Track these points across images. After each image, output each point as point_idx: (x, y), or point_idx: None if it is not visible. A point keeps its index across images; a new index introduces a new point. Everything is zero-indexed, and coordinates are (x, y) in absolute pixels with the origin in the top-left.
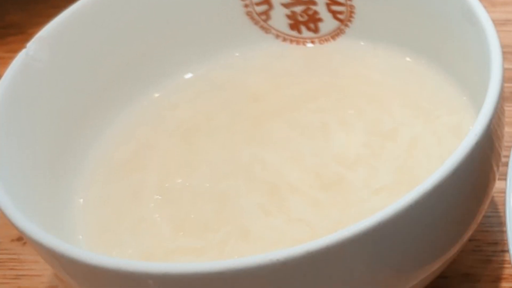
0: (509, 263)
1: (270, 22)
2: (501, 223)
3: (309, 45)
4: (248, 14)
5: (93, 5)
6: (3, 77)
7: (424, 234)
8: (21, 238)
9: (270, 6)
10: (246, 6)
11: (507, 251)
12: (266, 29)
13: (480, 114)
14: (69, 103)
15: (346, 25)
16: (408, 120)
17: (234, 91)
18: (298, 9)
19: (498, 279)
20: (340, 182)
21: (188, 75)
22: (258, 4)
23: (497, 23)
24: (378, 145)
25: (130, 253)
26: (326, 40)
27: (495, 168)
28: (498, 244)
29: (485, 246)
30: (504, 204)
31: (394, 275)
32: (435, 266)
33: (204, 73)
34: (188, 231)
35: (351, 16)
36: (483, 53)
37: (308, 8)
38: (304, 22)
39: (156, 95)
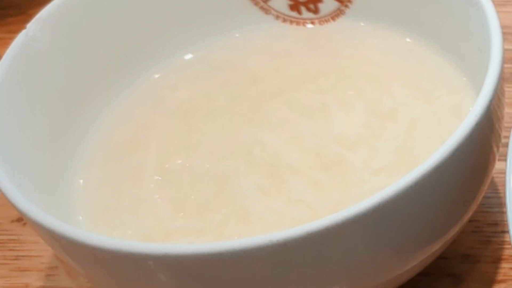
0: (509, 244)
1: (270, 3)
2: (501, 204)
3: (309, 26)
4: None
5: None
6: (3, 58)
7: (424, 214)
8: (21, 219)
9: None
10: None
11: (507, 232)
12: (266, 10)
13: (480, 95)
14: (69, 84)
15: (346, 6)
16: (408, 101)
17: (234, 72)
18: None
19: (498, 260)
20: (340, 163)
21: (188, 56)
22: None
23: (497, 3)
24: (378, 125)
25: (130, 234)
26: (326, 21)
27: (495, 149)
28: (498, 225)
29: (485, 227)
30: (504, 185)
31: (394, 255)
32: (435, 247)
33: (204, 54)
34: (188, 212)
35: None
36: (483, 34)
37: None
38: (304, 3)
39: (156, 76)
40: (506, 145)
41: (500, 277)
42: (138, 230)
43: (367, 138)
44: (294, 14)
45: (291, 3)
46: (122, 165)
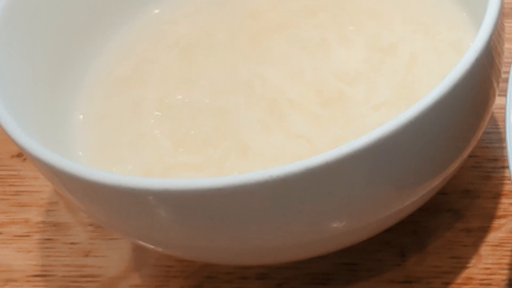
0: (509, 179)
1: None
2: (501, 140)
3: None
4: None
5: None
6: None
7: (424, 150)
8: (21, 154)
9: None
10: None
11: (507, 167)
12: None
13: (480, 30)
14: (69, 19)
15: None
16: (408, 36)
17: (234, 7)
18: None
19: (498, 195)
20: (340, 98)
21: None
22: None
23: None
24: (378, 60)
25: (130, 169)
26: None
27: (495, 84)
28: (498, 160)
29: (485, 163)
30: (504, 121)
31: (394, 191)
32: (435, 182)
33: None
34: (188, 147)
35: None
36: None
37: None
38: None
39: (156, 11)
40: (506, 80)
41: (500, 212)
42: (138, 166)
43: (367, 73)
44: None
45: None
46: (122, 100)
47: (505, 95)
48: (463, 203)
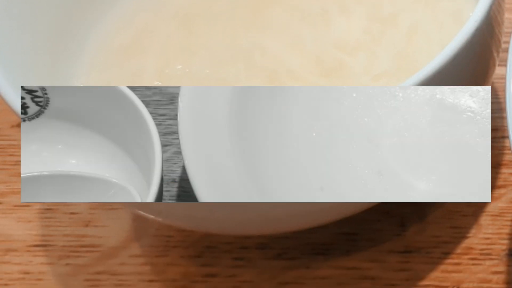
0: (509, 149)
1: None
2: (501, 110)
3: None
4: None
5: None
6: None
7: None
8: None
9: None
10: None
11: (507, 137)
12: None
13: (480, 0)
14: None
15: None
16: (408, 6)
17: None
18: None
19: (498, 165)
20: (340, 68)
21: None
22: None
23: None
24: (378, 30)
25: None
26: None
27: (495, 54)
28: (498, 130)
29: None
30: (504, 91)
31: None
32: None
33: None
34: None
35: None
36: None
37: None
38: None
39: None
40: (506, 50)
41: (500, 182)
42: None
43: (367, 43)
44: None
45: None
46: (122, 70)
47: (505, 65)
48: None
